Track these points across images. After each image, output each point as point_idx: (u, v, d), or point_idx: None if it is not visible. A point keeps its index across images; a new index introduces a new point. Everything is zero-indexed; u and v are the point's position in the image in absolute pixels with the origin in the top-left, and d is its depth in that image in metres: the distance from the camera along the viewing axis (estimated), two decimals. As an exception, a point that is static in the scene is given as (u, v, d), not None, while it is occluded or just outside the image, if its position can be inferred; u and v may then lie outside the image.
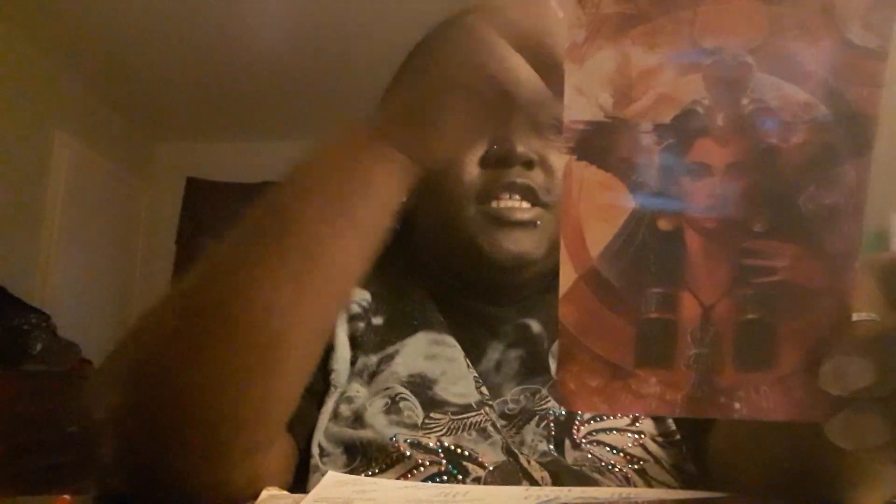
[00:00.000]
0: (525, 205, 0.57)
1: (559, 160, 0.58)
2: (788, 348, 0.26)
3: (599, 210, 0.26)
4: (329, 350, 0.54)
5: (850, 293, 0.26)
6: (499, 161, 0.57)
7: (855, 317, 0.26)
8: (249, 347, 0.36)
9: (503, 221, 0.56)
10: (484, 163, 0.58)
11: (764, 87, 0.25)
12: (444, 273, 0.62)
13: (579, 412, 0.53)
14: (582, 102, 0.26)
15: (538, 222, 0.57)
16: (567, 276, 0.27)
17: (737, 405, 0.27)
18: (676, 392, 0.27)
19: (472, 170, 0.58)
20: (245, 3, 2.71)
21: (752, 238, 0.26)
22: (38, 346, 2.52)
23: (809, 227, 0.26)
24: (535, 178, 0.57)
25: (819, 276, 0.26)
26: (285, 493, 0.39)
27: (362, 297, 0.59)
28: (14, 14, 2.75)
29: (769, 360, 0.26)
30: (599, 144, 0.26)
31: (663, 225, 0.26)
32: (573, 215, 0.27)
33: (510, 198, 0.57)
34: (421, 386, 0.54)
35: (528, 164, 0.57)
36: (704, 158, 0.26)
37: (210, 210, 3.97)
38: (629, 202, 0.26)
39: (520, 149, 0.56)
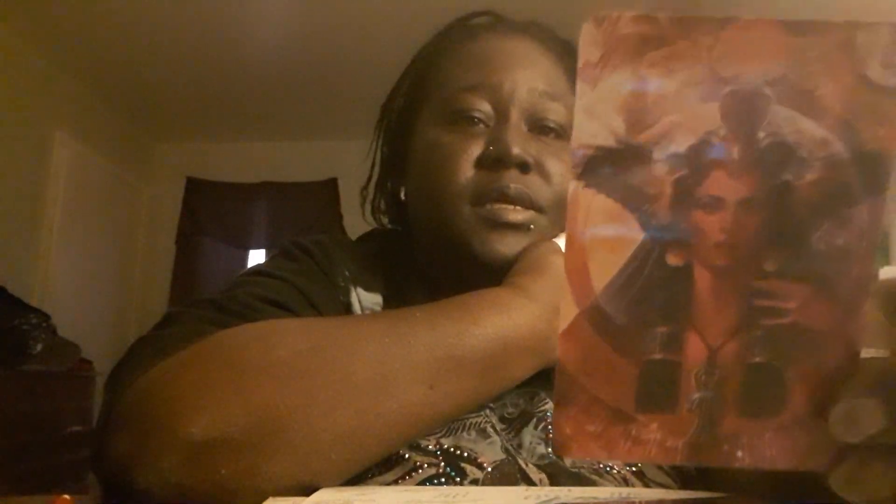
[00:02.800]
0: (519, 208, 0.56)
1: (556, 164, 0.58)
2: (795, 393, 0.25)
3: (606, 241, 0.25)
4: None
5: (858, 336, 0.25)
6: (494, 163, 0.56)
7: (863, 353, 0.25)
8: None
9: (496, 223, 0.55)
10: (479, 164, 0.57)
11: (781, 121, 0.24)
12: (441, 275, 0.61)
13: None
14: (593, 126, 0.24)
15: (532, 226, 0.56)
16: (568, 311, 0.26)
17: (739, 453, 0.26)
18: (678, 438, 0.26)
19: (467, 171, 0.57)
20: (245, 3, 2.70)
21: (763, 277, 0.25)
22: (38, 346, 2.52)
23: (821, 268, 0.24)
24: (531, 182, 0.56)
25: (828, 319, 0.25)
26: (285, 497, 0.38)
27: (374, 301, 0.59)
28: (14, 14, 2.74)
29: (775, 405, 0.26)
30: (609, 171, 0.25)
31: (672, 260, 0.25)
32: (578, 246, 0.25)
33: (504, 202, 0.56)
34: None
35: (524, 167, 0.56)
36: (717, 192, 0.24)
37: (210, 210, 3.97)
38: (637, 234, 0.25)
39: (515, 151, 0.55)
